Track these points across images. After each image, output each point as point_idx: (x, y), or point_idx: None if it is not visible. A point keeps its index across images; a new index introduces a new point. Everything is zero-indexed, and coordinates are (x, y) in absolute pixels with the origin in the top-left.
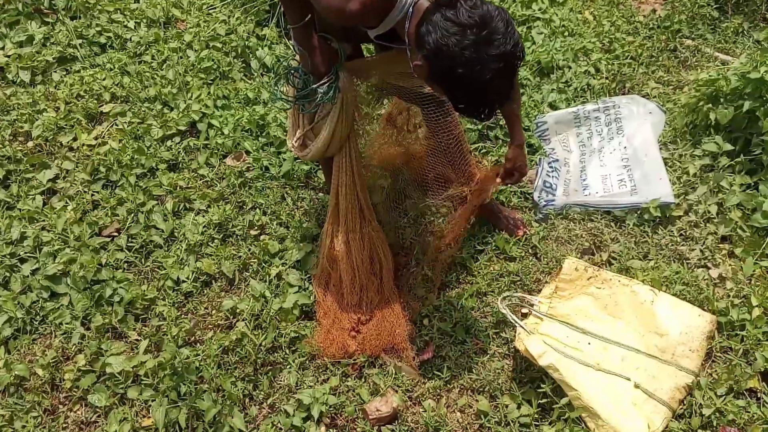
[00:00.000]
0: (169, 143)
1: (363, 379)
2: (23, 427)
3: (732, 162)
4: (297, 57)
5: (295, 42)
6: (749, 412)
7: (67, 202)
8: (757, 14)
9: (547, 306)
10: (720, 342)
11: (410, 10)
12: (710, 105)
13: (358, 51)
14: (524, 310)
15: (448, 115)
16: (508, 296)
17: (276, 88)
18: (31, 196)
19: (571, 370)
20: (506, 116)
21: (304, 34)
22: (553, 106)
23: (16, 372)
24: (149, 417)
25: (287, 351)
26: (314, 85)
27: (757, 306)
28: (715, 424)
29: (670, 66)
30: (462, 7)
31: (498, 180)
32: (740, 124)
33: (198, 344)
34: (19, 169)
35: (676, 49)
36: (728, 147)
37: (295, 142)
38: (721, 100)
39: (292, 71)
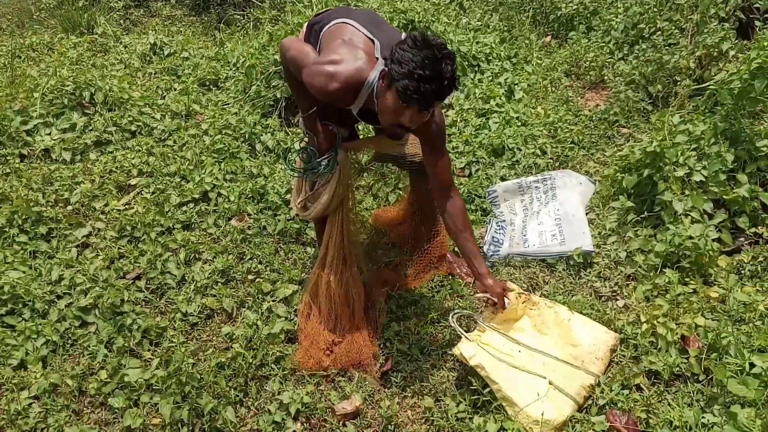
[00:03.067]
0: (184, 208)
1: (333, 387)
2: (56, 421)
3: (639, 218)
4: (304, 139)
5: (304, 127)
6: (633, 400)
7: (98, 253)
8: (673, 105)
9: (489, 321)
10: (619, 353)
11: (375, 84)
12: (623, 174)
13: (354, 134)
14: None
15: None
16: (457, 312)
17: (289, 163)
18: (67, 249)
19: (494, 369)
20: (464, 254)
21: (312, 120)
22: (504, 179)
23: (50, 380)
24: (158, 417)
25: (273, 366)
26: (317, 160)
27: (645, 322)
28: (607, 410)
29: (607, 149)
30: (405, 42)
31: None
32: (645, 188)
33: (200, 361)
34: (59, 227)
35: (613, 136)
36: (630, 204)
37: (299, 204)
38: (631, 170)
39: (303, 149)
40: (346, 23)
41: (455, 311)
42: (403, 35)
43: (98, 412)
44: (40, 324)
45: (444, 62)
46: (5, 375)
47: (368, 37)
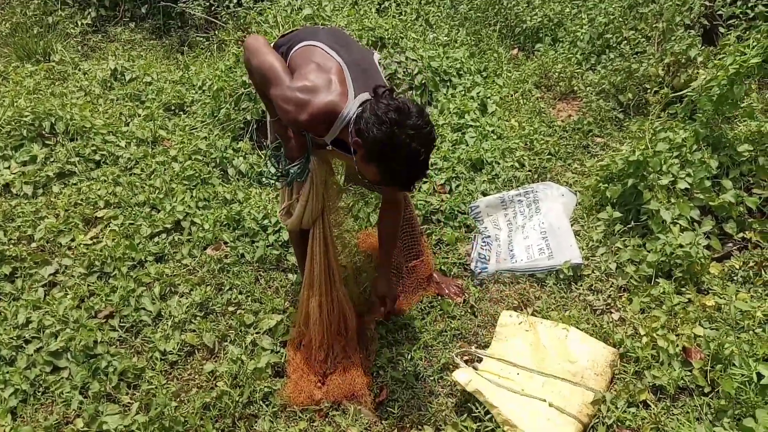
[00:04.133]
0: (156, 239)
1: (328, 422)
2: None
3: (626, 228)
4: (276, 143)
5: (274, 131)
6: (641, 417)
7: (66, 292)
8: (653, 114)
9: (488, 351)
10: (621, 368)
11: (351, 119)
12: (606, 185)
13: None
14: (465, 358)
15: (400, 198)
16: (460, 352)
17: (259, 176)
18: (34, 288)
19: (493, 393)
20: (381, 251)
21: (281, 125)
22: (485, 194)
23: None
24: None
25: (262, 404)
26: (288, 167)
27: (644, 335)
28: (615, 431)
29: (583, 159)
30: (381, 103)
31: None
32: (630, 198)
33: (183, 403)
34: (24, 266)
35: (589, 146)
36: (617, 215)
37: (282, 210)
38: (614, 180)
39: (272, 155)
40: (315, 46)
41: (457, 349)
42: (375, 54)
43: None
44: (8, 372)
45: (427, 145)
46: None
47: (338, 63)
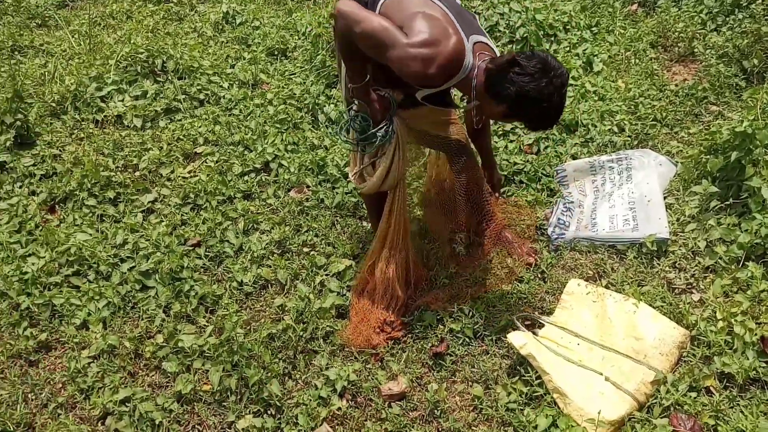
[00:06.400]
0: (246, 178)
1: (381, 366)
2: (111, 382)
3: (723, 205)
4: (353, 108)
5: (356, 97)
6: (702, 403)
7: (162, 219)
8: None
9: (551, 318)
10: (690, 351)
11: (474, 72)
12: (708, 156)
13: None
14: (527, 323)
15: (470, 158)
16: (522, 315)
17: (341, 134)
18: (133, 213)
19: (547, 359)
20: (485, 149)
21: (365, 90)
22: (575, 158)
23: (109, 342)
24: (208, 383)
25: (322, 341)
26: (373, 129)
27: (721, 319)
28: (671, 413)
29: (692, 128)
30: (523, 62)
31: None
32: (732, 172)
33: (252, 332)
34: (126, 192)
35: (701, 114)
36: (713, 189)
37: (355, 175)
38: (717, 151)
39: (354, 118)
40: None
41: (520, 313)
42: (460, 4)
43: (152, 375)
44: (103, 286)
45: (564, 93)
46: (68, 334)
47: (441, 8)
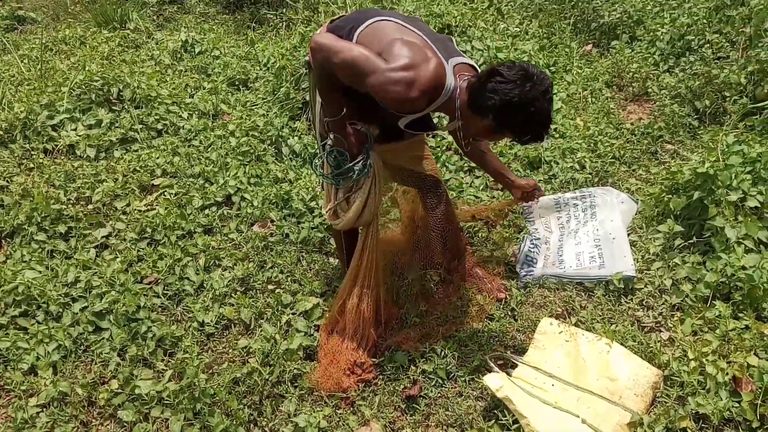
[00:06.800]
0: (207, 211)
1: (353, 411)
2: None
3: (686, 243)
4: (328, 143)
5: (332, 131)
6: None
7: (116, 255)
8: (728, 124)
9: (524, 358)
10: (663, 392)
11: (457, 92)
12: (670, 195)
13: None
14: (499, 362)
15: (443, 194)
16: (494, 355)
17: (316, 168)
18: (86, 249)
19: (524, 402)
20: (497, 172)
21: (341, 123)
22: None
23: (60, 388)
24: None
25: (290, 385)
26: (350, 164)
27: (693, 359)
28: None
29: (650, 166)
30: (504, 71)
31: (520, 201)
32: (694, 212)
33: (215, 376)
34: (79, 227)
35: (657, 152)
36: (678, 228)
37: (329, 211)
38: (679, 191)
39: (331, 153)
40: (387, 20)
41: (491, 352)
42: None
43: (107, 425)
44: (53, 328)
45: (549, 99)
46: (15, 380)
47: (418, 34)
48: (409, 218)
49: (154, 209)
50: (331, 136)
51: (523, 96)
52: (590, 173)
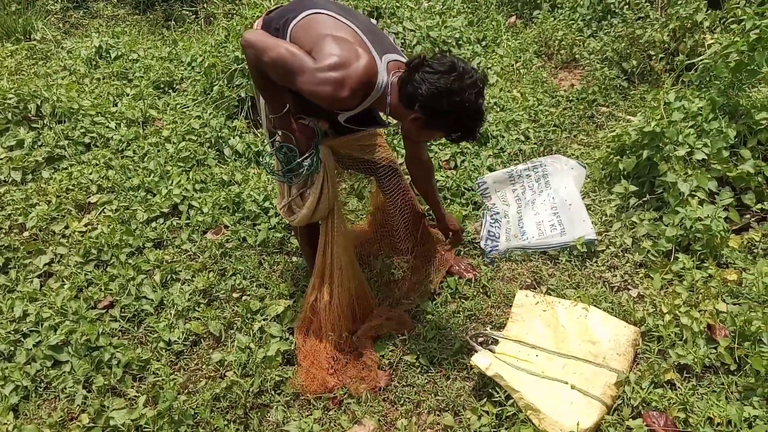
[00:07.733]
0: (154, 224)
1: (343, 410)
2: None
3: (640, 201)
4: (277, 139)
5: (278, 127)
6: (668, 398)
7: (63, 282)
8: (659, 82)
9: (503, 332)
10: (643, 347)
11: (389, 89)
12: (618, 157)
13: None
14: (480, 340)
15: (401, 180)
16: (475, 334)
17: (267, 166)
18: (29, 279)
19: (514, 377)
20: (433, 199)
21: (286, 120)
22: (491, 169)
23: None
24: None
25: (273, 393)
26: (299, 160)
27: (667, 313)
28: (642, 412)
29: (589, 130)
30: (432, 63)
31: (448, 248)
32: (644, 170)
33: (192, 395)
34: (17, 257)
35: (593, 116)
36: (633, 188)
37: (283, 207)
38: (627, 152)
39: (279, 149)
40: (321, 13)
41: (471, 331)
42: (374, 22)
43: None
44: (7, 368)
45: (479, 93)
46: None
47: (351, 28)
48: (375, 207)
49: (96, 228)
50: (279, 132)
51: (449, 85)
52: (535, 143)
